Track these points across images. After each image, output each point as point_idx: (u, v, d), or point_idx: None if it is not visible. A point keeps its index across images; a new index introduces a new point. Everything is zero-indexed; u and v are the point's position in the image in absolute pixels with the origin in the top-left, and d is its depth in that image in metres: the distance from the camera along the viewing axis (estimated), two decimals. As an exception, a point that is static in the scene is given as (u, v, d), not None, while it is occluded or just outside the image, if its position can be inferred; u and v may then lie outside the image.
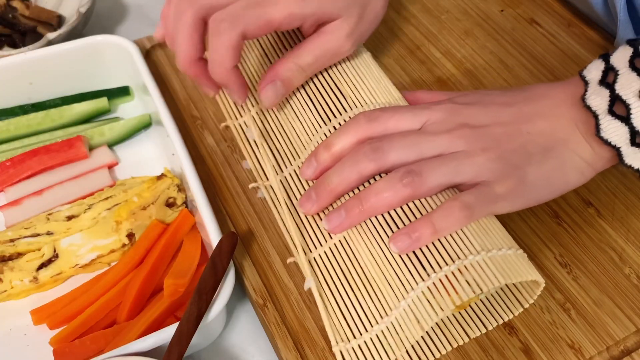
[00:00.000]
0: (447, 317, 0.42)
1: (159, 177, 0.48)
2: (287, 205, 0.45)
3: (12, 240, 0.45)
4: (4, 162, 0.50)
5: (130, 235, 0.46)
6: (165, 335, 0.38)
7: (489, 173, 0.40)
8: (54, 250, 0.45)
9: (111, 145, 0.54)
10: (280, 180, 0.47)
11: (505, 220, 0.48)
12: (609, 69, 0.39)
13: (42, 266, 0.45)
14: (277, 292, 0.45)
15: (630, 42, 0.38)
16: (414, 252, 0.38)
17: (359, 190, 0.42)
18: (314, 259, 0.43)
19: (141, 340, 0.38)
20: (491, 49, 0.60)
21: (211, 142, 0.54)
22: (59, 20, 0.63)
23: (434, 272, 0.37)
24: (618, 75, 0.38)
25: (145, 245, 0.45)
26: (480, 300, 0.42)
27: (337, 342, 0.40)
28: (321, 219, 0.43)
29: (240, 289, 0.46)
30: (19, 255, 0.45)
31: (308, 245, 0.44)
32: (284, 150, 0.49)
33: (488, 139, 0.40)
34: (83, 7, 0.59)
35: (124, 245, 0.46)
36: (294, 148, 0.48)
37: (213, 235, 0.43)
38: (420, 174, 0.39)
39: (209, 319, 0.39)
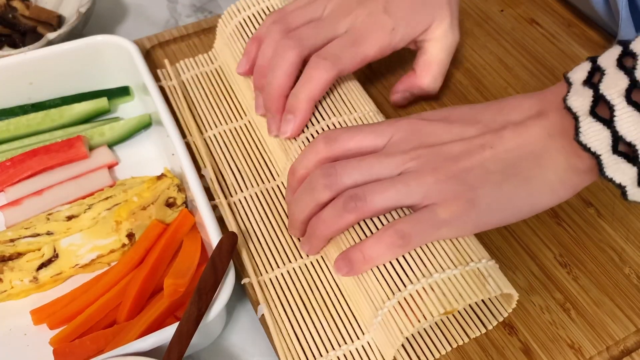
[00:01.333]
0: (447, 317, 0.42)
1: (159, 177, 0.48)
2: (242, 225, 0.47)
3: (12, 240, 0.45)
4: (4, 162, 0.50)
5: (130, 235, 0.46)
6: (165, 335, 0.38)
7: (438, 194, 0.37)
8: (54, 250, 0.45)
9: (111, 145, 0.54)
10: (245, 197, 0.49)
11: (505, 220, 0.48)
12: (596, 69, 0.35)
13: (42, 266, 0.45)
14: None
15: (620, 42, 0.35)
16: (376, 270, 0.38)
17: None
18: (270, 280, 0.44)
19: (141, 340, 0.38)
20: (491, 49, 0.60)
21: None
22: (59, 20, 0.63)
23: (392, 296, 0.37)
24: (604, 75, 0.34)
25: (145, 245, 0.45)
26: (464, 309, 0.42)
27: None
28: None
29: (240, 289, 0.46)
30: (19, 255, 0.45)
31: (264, 267, 0.45)
32: (255, 167, 0.50)
33: (442, 157, 0.38)
34: (83, 7, 0.59)
35: (124, 245, 0.45)
36: (272, 164, 0.50)
37: (213, 235, 0.43)
38: (364, 198, 0.38)
39: (209, 319, 0.39)
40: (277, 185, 0.49)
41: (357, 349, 0.41)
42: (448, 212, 0.37)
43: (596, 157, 0.33)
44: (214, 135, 0.53)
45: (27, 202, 0.49)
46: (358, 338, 0.41)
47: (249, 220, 0.47)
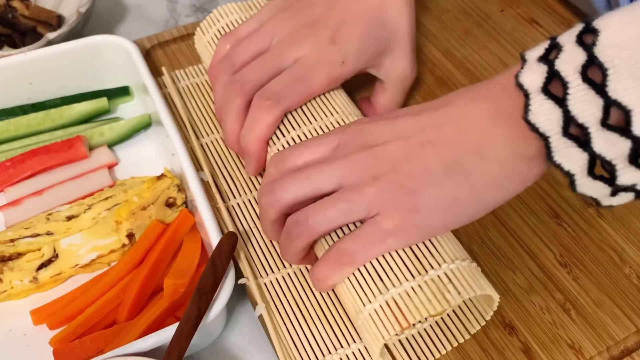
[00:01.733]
0: (448, 315, 0.42)
1: (159, 177, 0.48)
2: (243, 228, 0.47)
3: (12, 240, 0.45)
4: (4, 162, 0.50)
5: (130, 235, 0.46)
6: (165, 335, 0.38)
7: (381, 204, 0.36)
8: (54, 251, 0.45)
9: (111, 145, 0.54)
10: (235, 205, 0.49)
11: (504, 219, 0.48)
12: (554, 46, 0.32)
13: (42, 266, 0.45)
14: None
15: (583, 20, 0.31)
16: (367, 272, 0.37)
17: None
18: (270, 282, 0.44)
19: (141, 340, 0.38)
20: (491, 49, 0.60)
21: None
22: (59, 20, 0.63)
23: (374, 298, 0.36)
24: (561, 51, 0.31)
25: (145, 245, 0.45)
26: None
27: None
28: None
29: (240, 289, 0.46)
30: (19, 255, 0.45)
31: (264, 269, 0.45)
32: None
33: (382, 161, 0.36)
34: (83, 7, 0.59)
35: (124, 245, 0.45)
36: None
37: (213, 235, 0.43)
38: (306, 222, 0.37)
39: (209, 319, 0.39)
40: None
41: (353, 353, 0.41)
42: (391, 222, 0.36)
43: (545, 138, 0.31)
44: (210, 142, 0.53)
45: (27, 202, 0.49)
46: (354, 342, 0.41)
47: (248, 224, 0.47)
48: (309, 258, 0.41)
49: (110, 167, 0.52)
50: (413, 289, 0.35)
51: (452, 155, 0.35)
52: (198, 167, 0.51)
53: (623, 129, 0.29)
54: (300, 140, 0.44)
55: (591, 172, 0.30)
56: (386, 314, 0.35)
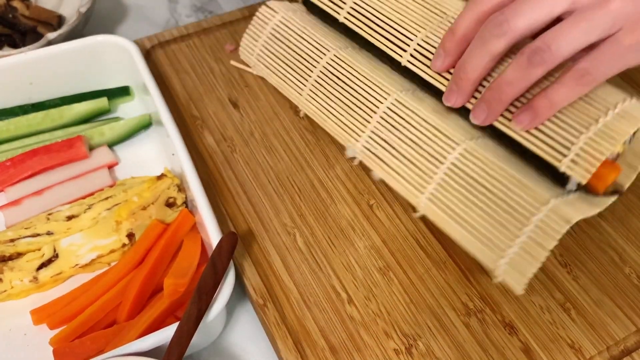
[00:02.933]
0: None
1: (159, 177, 0.48)
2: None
3: (12, 240, 0.45)
4: (4, 162, 0.50)
5: (130, 235, 0.46)
6: (165, 335, 0.38)
7: (625, 19, 0.35)
8: (54, 250, 0.45)
9: (111, 145, 0.54)
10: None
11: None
12: None
13: (42, 266, 0.45)
14: (277, 292, 0.45)
15: None
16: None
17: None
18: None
19: (141, 340, 0.38)
20: (491, 49, 0.60)
21: (211, 142, 0.54)
22: (59, 20, 0.63)
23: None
24: None
25: (145, 245, 0.45)
26: None
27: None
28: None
29: (240, 289, 0.46)
30: (19, 255, 0.45)
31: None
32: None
33: None
34: (83, 7, 0.59)
35: (124, 245, 0.45)
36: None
37: (213, 235, 0.43)
38: (549, 48, 0.36)
39: (209, 319, 0.39)
40: None
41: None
42: (634, 37, 0.35)
43: None
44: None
45: (27, 202, 0.49)
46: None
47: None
48: (498, 114, 0.41)
49: (111, 167, 0.52)
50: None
51: None
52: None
53: None
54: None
55: None
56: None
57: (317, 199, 0.50)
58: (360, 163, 0.48)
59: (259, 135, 0.54)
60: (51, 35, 0.57)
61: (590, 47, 0.37)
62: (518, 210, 0.39)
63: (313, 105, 0.51)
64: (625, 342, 0.42)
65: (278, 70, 0.54)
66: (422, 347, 0.42)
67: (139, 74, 0.53)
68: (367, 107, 0.47)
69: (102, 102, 0.55)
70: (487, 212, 0.40)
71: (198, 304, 0.38)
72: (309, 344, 0.42)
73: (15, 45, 0.61)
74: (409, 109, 0.45)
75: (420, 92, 0.46)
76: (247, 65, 0.58)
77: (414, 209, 0.44)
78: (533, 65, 0.37)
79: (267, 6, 0.55)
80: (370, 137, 0.46)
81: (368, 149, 0.46)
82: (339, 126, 0.49)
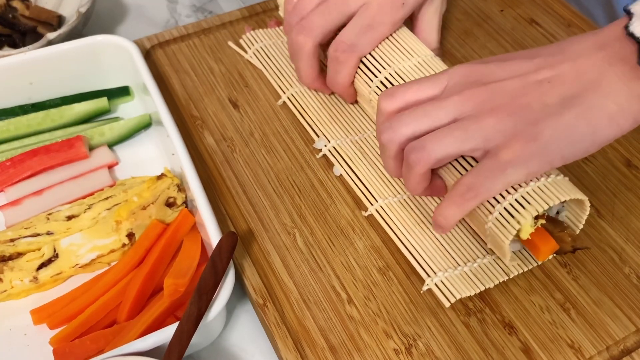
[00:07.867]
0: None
1: (159, 177, 0.48)
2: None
3: (12, 240, 0.45)
4: (4, 162, 0.50)
5: (130, 235, 0.46)
6: (165, 335, 0.38)
7: (499, 135, 0.37)
8: (54, 250, 0.45)
9: (111, 145, 0.54)
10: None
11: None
12: None
13: (42, 266, 0.45)
14: (277, 292, 0.45)
15: None
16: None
17: None
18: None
19: (141, 340, 0.38)
20: (491, 49, 0.60)
21: (211, 142, 0.54)
22: (59, 20, 0.63)
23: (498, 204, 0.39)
24: None
25: (145, 245, 0.45)
26: None
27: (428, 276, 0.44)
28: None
29: (240, 289, 0.46)
30: (19, 255, 0.45)
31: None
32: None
33: (499, 95, 0.38)
34: (83, 7, 0.59)
35: (124, 245, 0.46)
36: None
37: (213, 235, 0.43)
38: (423, 148, 0.39)
39: (209, 318, 0.39)
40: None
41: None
42: (511, 153, 0.37)
43: None
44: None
45: (27, 202, 0.49)
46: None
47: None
48: (432, 189, 0.42)
49: (111, 167, 0.52)
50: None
51: (570, 91, 0.37)
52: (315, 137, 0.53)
53: None
54: (390, 83, 0.48)
55: None
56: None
57: (317, 199, 0.50)
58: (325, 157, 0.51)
59: (258, 135, 0.54)
60: (51, 35, 0.57)
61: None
62: None
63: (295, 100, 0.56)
64: (625, 342, 0.42)
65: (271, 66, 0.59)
66: (422, 347, 0.42)
67: (138, 74, 0.53)
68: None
69: (102, 102, 0.55)
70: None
71: (198, 304, 0.38)
72: (309, 344, 0.42)
73: (15, 45, 0.61)
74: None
75: None
76: (245, 51, 0.60)
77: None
78: (411, 163, 0.40)
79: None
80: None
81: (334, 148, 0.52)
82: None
